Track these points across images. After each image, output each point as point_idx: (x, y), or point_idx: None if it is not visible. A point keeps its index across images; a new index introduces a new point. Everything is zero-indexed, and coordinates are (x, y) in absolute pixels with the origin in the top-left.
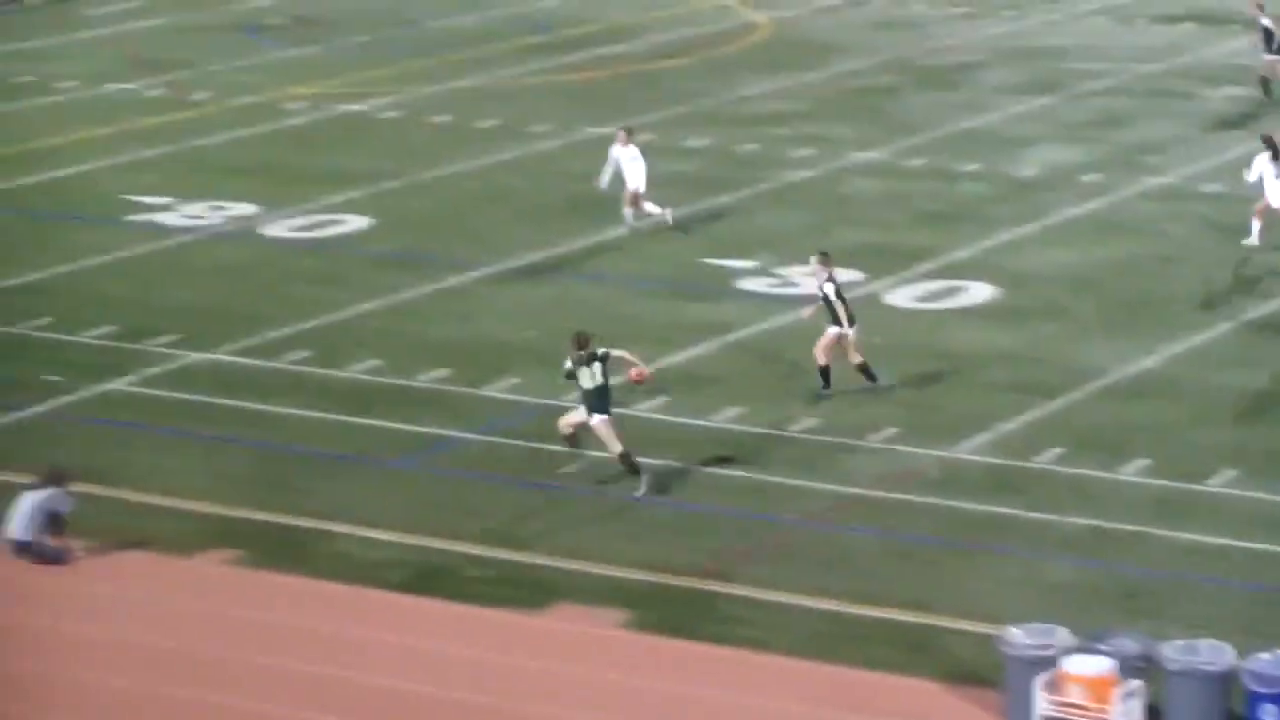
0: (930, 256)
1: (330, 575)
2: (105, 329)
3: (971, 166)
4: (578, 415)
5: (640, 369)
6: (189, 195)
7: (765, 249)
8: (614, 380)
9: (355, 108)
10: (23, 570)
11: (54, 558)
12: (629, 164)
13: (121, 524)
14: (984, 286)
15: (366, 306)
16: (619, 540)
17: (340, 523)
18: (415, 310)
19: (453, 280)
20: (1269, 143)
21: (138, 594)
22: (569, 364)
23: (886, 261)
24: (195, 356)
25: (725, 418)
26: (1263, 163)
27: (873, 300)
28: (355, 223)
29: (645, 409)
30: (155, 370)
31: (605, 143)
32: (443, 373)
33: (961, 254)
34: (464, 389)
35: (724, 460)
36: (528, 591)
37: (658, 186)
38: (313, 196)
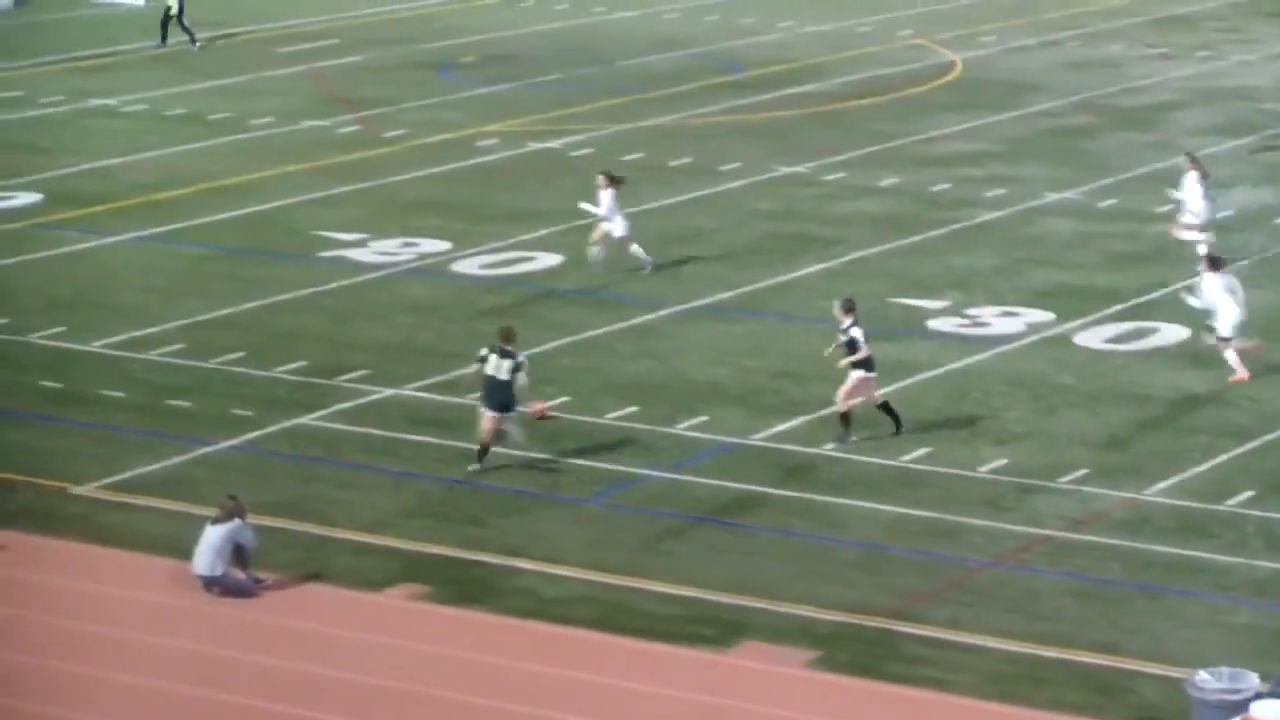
0: (1122, 298)
1: (516, 611)
2: (296, 364)
3: (1165, 208)
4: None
5: (542, 405)
6: (381, 232)
7: (956, 289)
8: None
9: (547, 145)
10: (210, 603)
11: (242, 590)
12: (609, 208)
13: (308, 558)
14: (1176, 328)
15: (556, 343)
16: (808, 579)
17: (527, 559)
18: (605, 347)
19: (642, 318)
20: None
21: (323, 628)
22: (484, 350)
23: (1078, 302)
24: (385, 392)
25: (913, 457)
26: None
27: (1063, 341)
28: (546, 260)
29: (830, 448)
30: (345, 405)
31: (796, 182)
32: (631, 410)
33: (1154, 295)
34: (652, 426)
35: (912, 500)
36: (715, 629)
37: (850, 225)
38: (504, 234)
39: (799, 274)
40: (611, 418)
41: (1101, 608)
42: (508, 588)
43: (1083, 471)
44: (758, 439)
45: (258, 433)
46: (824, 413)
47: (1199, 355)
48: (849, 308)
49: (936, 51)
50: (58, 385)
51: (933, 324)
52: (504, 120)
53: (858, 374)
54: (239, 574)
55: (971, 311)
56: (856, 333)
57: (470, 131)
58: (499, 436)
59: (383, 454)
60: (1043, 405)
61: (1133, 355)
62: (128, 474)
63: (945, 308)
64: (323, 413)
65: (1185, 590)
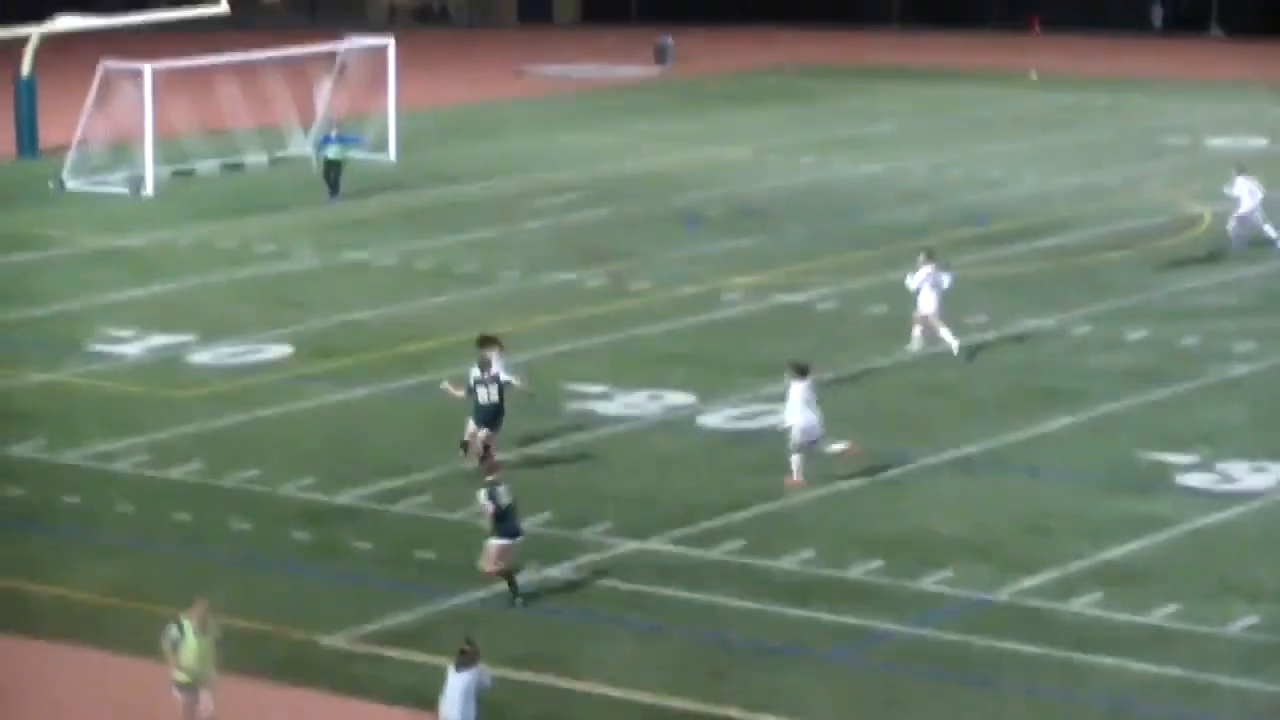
0: None
1: None
2: (542, 516)
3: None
4: None
5: None
6: (627, 384)
7: (1205, 444)
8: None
9: (793, 298)
10: None
11: None
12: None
13: (552, 711)
14: None
15: (801, 497)
16: None
17: (771, 714)
18: (850, 501)
19: (888, 472)
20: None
21: None
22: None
23: None
24: (630, 545)
25: (1162, 614)
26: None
27: None
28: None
29: (1078, 604)
30: (590, 558)
31: (1043, 335)
32: (877, 564)
33: None
34: (898, 580)
35: (1161, 658)
36: None
37: (1098, 379)
38: (750, 386)
39: (1046, 428)
40: (856, 571)
41: None
42: None
43: None
44: (1004, 594)
45: (502, 585)
46: (1072, 568)
47: None
48: (490, 469)
49: (1185, 204)
50: (307, 536)
51: (1182, 479)
52: (750, 273)
53: (495, 541)
54: None
55: (1222, 466)
56: (482, 495)
57: (716, 284)
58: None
59: (627, 607)
60: None
61: None
62: (376, 625)
63: (1195, 463)
64: (568, 565)
65: None
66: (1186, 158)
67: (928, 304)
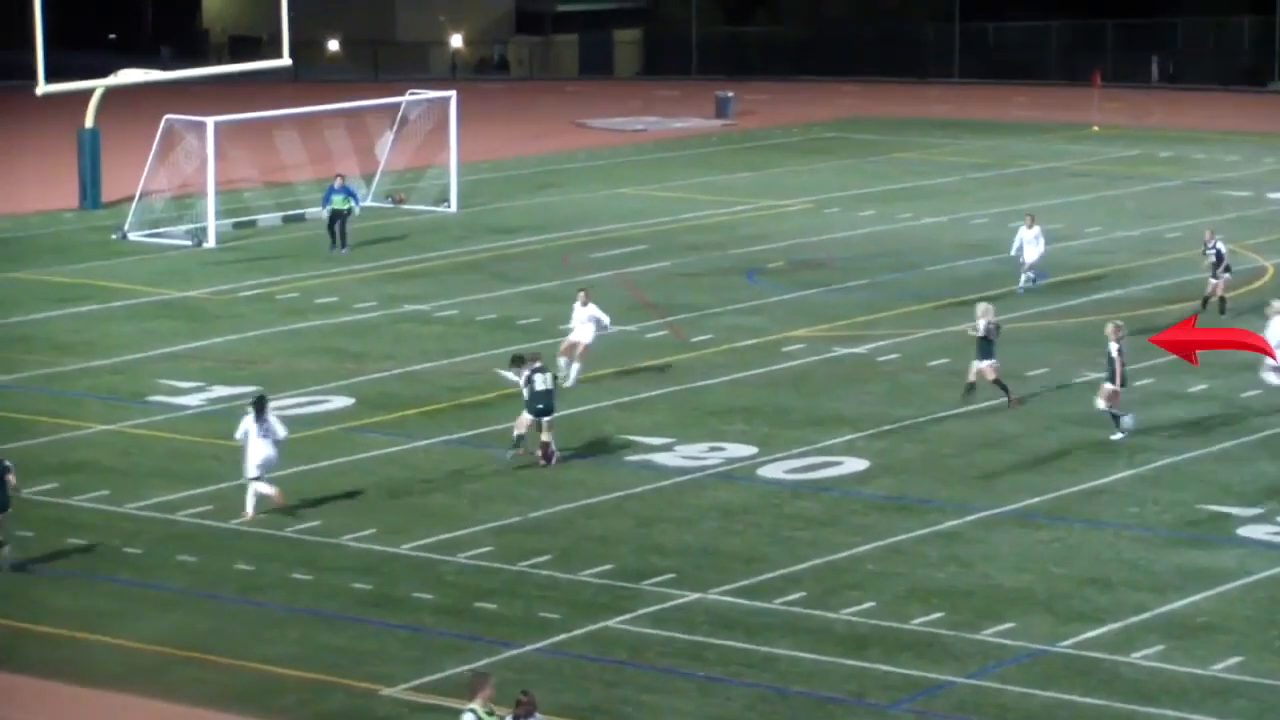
0: None
1: None
2: (603, 567)
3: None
4: None
5: None
6: (688, 436)
7: (1269, 497)
8: None
9: (854, 350)
10: None
11: None
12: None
13: None
14: None
15: (861, 548)
16: None
17: None
18: (910, 552)
19: (948, 523)
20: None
21: None
22: None
23: None
24: (691, 596)
25: (1225, 666)
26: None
27: None
28: (852, 465)
29: (1139, 656)
30: (651, 609)
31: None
32: (937, 615)
33: None
34: (958, 632)
35: (1223, 710)
36: None
37: (1159, 431)
38: (811, 439)
39: (1107, 480)
40: (917, 623)
41: None
42: None
43: None
44: (1064, 646)
45: (564, 636)
46: (1133, 619)
47: None
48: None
49: (1247, 257)
50: (368, 587)
51: (1243, 531)
52: (811, 325)
53: None
54: None
55: None
56: None
57: (777, 336)
58: None
59: (688, 658)
60: None
61: None
62: (436, 676)
63: (1256, 515)
64: (628, 616)
65: None
66: (1248, 210)
67: (584, 335)
